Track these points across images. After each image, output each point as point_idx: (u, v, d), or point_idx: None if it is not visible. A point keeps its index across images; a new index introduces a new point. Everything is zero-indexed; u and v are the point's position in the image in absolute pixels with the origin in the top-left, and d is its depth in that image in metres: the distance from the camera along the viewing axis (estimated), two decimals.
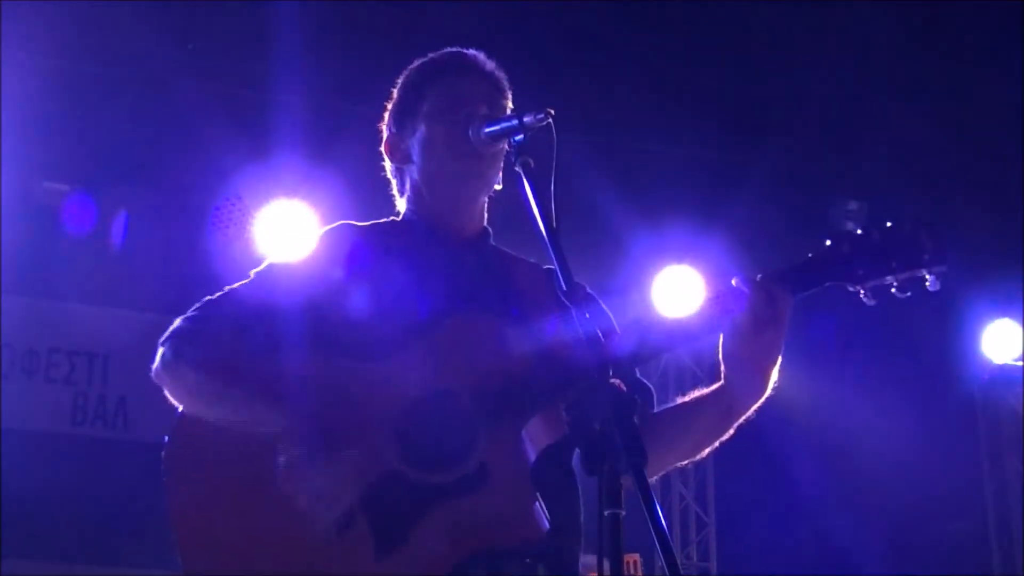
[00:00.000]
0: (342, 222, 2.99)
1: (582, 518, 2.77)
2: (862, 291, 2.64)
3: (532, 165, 2.51)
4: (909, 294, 2.62)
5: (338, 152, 6.59)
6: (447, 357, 2.65)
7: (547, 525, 2.57)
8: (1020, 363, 9.03)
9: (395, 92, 3.06)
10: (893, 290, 2.63)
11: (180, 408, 2.75)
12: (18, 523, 6.95)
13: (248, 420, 2.65)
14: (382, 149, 3.07)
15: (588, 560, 2.37)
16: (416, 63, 3.04)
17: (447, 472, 2.55)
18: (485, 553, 2.57)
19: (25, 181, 6.91)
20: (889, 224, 2.65)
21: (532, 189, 2.47)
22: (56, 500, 7.24)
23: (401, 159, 3.01)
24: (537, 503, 2.53)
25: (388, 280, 2.85)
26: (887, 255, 2.61)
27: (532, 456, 2.64)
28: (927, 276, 2.61)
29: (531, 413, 2.58)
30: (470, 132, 2.79)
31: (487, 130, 2.75)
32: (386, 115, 3.08)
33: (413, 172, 2.99)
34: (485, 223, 3.02)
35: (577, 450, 2.78)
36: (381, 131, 3.09)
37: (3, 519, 6.85)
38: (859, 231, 2.66)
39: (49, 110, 6.51)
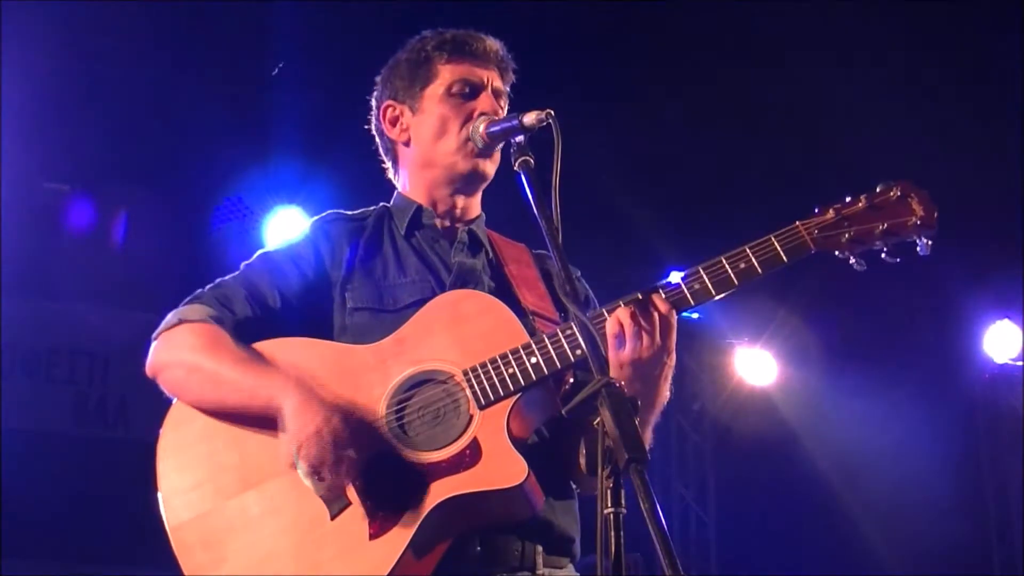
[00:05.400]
0: (332, 211, 3.00)
1: (576, 501, 2.78)
2: (851, 257, 2.63)
3: (532, 164, 2.51)
4: (899, 260, 2.61)
5: (338, 155, 6.58)
6: (439, 335, 2.65)
7: (540, 504, 2.56)
8: (1020, 363, 9.02)
9: (400, 60, 3.00)
10: (883, 255, 2.62)
11: (175, 399, 2.75)
12: (18, 523, 6.94)
13: (241, 395, 2.63)
14: (379, 118, 3.03)
15: (589, 560, 2.37)
16: (426, 36, 2.98)
17: (440, 450, 2.55)
18: (479, 530, 2.58)
19: (25, 181, 6.90)
20: (878, 188, 2.64)
21: (531, 188, 2.46)
22: (56, 500, 7.24)
23: (399, 135, 2.99)
24: (530, 481, 2.51)
25: (378, 265, 2.87)
26: (874, 220, 2.60)
27: (525, 433, 2.62)
28: (917, 241, 2.60)
29: (523, 391, 2.57)
30: (471, 131, 2.81)
31: (488, 130, 2.77)
32: (382, 80, 3.02)
33: (412, 152, 2.98)
34: (480, 208, 3.02)
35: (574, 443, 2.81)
36: (372, 100, 3.05)
37: (3, 519, 6.84)
38: (847, 198, 2.65)
39: (49, 110, 6.50)
